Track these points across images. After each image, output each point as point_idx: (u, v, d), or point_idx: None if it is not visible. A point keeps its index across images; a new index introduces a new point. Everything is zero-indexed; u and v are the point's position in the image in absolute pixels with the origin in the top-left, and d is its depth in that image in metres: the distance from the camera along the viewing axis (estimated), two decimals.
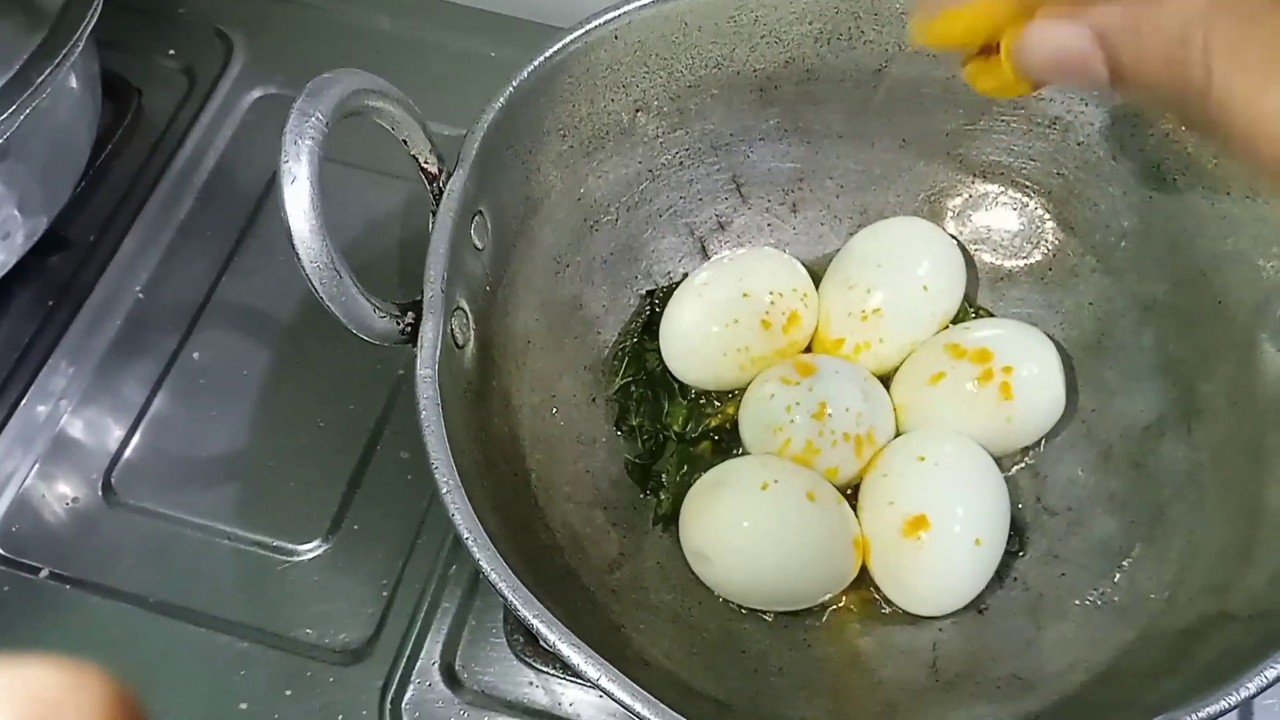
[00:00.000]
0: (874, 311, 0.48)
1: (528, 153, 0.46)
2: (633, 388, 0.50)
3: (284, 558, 0.49)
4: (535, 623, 0.33)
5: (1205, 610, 0.40)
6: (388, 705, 0.46)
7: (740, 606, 0.45)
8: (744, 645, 0.44)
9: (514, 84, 0.43)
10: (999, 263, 0.52)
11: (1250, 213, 0.44)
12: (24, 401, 0.53)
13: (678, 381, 0.50)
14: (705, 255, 0.53)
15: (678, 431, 0.49)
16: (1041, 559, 0.46)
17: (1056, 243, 0.51)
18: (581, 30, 0.45)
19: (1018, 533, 0.46)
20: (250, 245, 0.57)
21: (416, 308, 0.39)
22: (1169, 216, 0.47)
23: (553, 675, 0.47)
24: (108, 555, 0.49)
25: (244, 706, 0.46)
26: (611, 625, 0.42)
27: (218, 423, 0.53)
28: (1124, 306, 0.48)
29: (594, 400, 0.50)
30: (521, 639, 0.47)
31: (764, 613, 0.45)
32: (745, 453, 0.48)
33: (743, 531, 0.43)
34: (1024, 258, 0.51)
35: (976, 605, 0.45)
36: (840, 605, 0.45)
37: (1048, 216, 0.51)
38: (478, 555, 0.34)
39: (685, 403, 0.50)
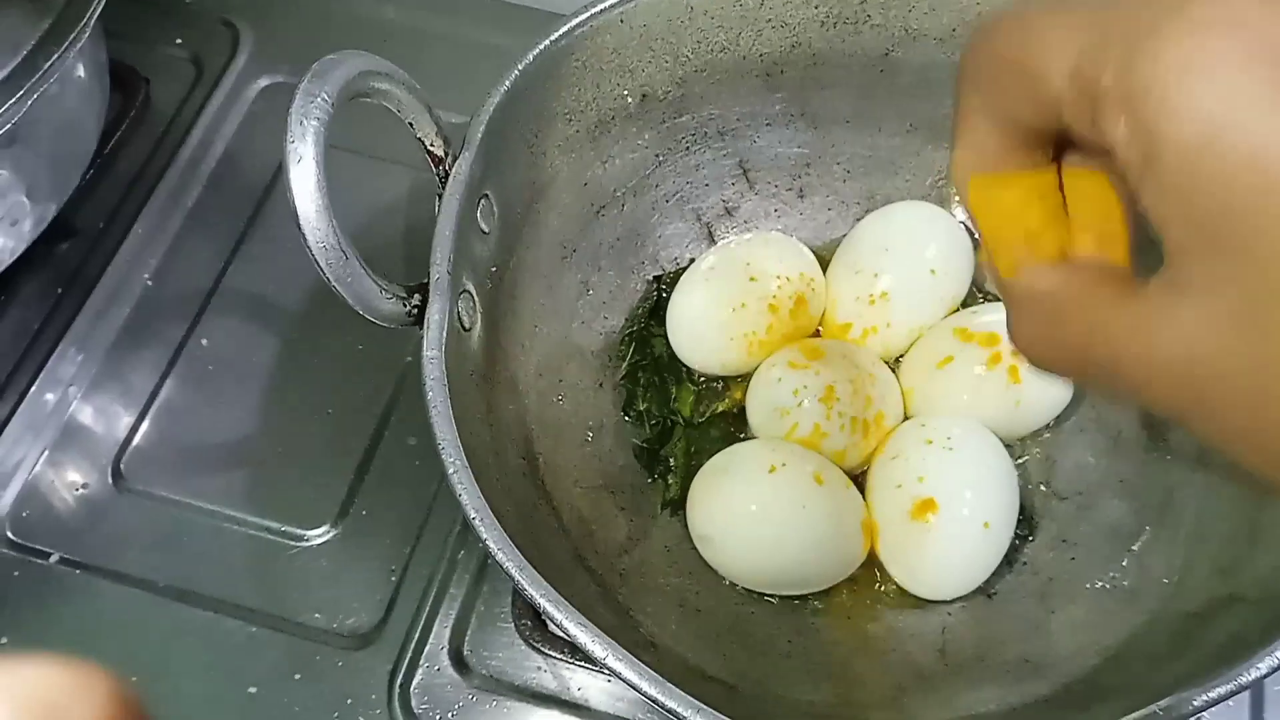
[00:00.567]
0: (881, 296, 0.48)
1: (533, 137, 0.46)
2: (639, 373, 0.50)
3: (293, 543, 0.50)
4: (542, 602, 0.33)
5: (1214, 593, 0.40)
6: (396, 689, 0.46)
7: (748, 590, 0.45)
8: (751, 628, 0.44)
9: (519, 68, 0.43)
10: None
11: None
12: (33, 388, 0.53)
13: (685, 366, 0.50)
14: (712, 240, 0.53)
15: (685, 416, 0.49)
16: (1051, 543, 0.46)
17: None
18: (587, 14, 0.45)
19: (1027, 517, 0.46)
20: (258, 232, 0.58)
21: (423, 290, 0.39)
22: None
23: (561, 660, 0.47)
24: (117, 541, 0.50)
25: (253, 690, 0.46)
26: (619, 608, 0.42)
27: (226, 409, 0.53)
28: None
29: (601, 385, 0.49)
30: (530, 623, 0.47)
31: (772, 596, 0.45)
32: (752, 437, 0.48)
33: (750, 515, 0.43)
34: None
35: (985, 589, 0.45)
36: (848, 589, 0.45)
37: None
38: (485, 535, 0.34)
39: (693, 387, 0.50)
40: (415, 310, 0.38)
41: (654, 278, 0.52)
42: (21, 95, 0.45)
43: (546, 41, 0.44)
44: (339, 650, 0.47)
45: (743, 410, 0.49)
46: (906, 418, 0.48)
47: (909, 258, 0.49)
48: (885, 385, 0.47)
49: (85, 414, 0.53)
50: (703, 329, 0.49)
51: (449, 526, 0.49)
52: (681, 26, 0.48)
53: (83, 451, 0.52)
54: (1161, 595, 0.42)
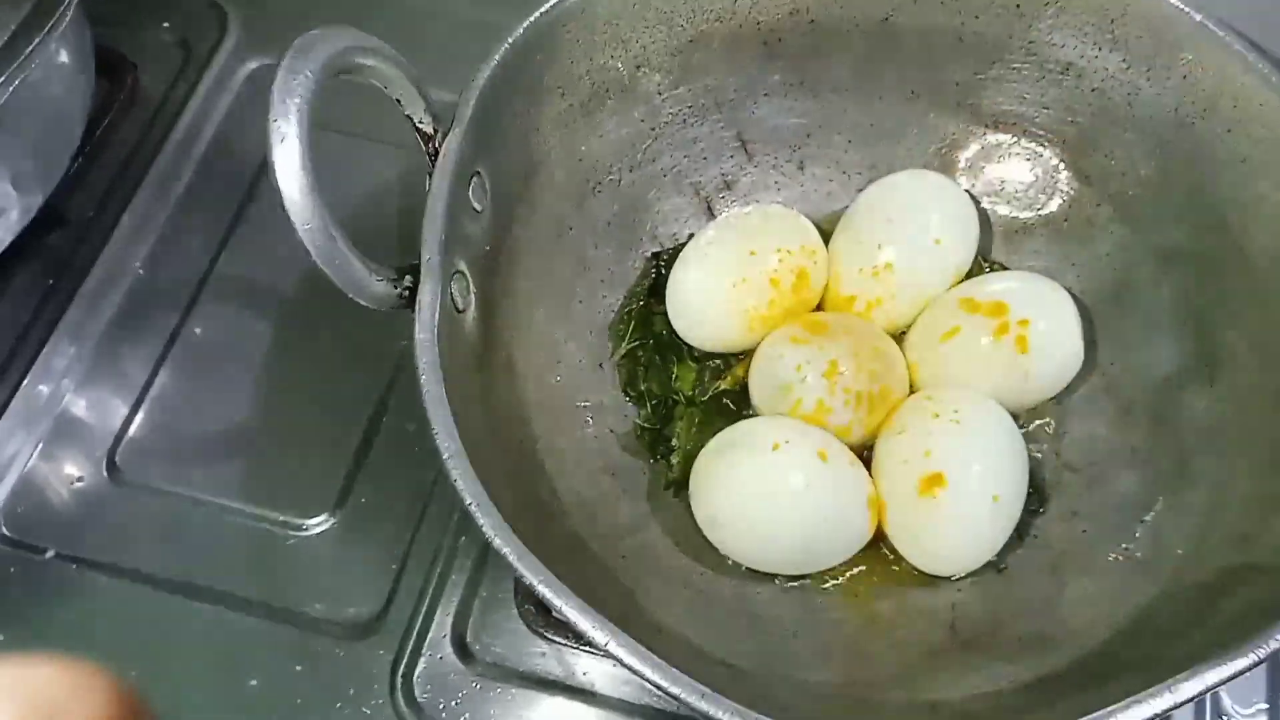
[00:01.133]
0: (885, 267, 0.47)
1: (526, 112, 0.45)
2: (640, 352, 0.49)
3: (292, 533, 0.49)
4: (541, 588, 0.33)
5: (1230, 562, 0.39)
6: (399, 678, 0.46)
7: (753, 570, 0.44)
8: (758, 609, 0.43)
9: (510, 41, 0.42)
10: (1014, 215, 0.51)
11: (1271, 155, 0.42)
12: (26, 381, 0.52)
13: (686, 344, 0.49)
14: (711, 215, 0.52)
15: (687, 395, 0.48)
16: (1062, 516, 0.45)
17: (1072, 193, 0.49)
18: None
19: (1038, 490, 0.45)
20: (250, 218, 0.57)
21: (415, 271, 0.38)
22: (1187, 162, 0.45)
23: (565, 645, 0.46)
24: (114, 534, 0.49)
25: (254, 683, 0.46)
26: (623, 591, 0.41)
27: (221, 398, 0.52)
28: (1142, 256, 0.47)
29: (600, 365, 0.49)
30: (533, 609, 0.47)
31: (778, 576, 0.44)
32: (756, 415, 0.47)
33: (753, 494, 0.42)
34: (1039, 209, 0.50)
35: (996, 564, 0.44)
36: (857, 567, 0.44)
37: (1063, 166, 0.49)
38: (482, 521, 0.34)
39: (694, 365, 0.49)
40: (407, 292, 0.38)
41: (653, 254, 0.51)
42: (2, 82, 0.44)
43: (537, 14, 0.43)
44: (340, 640, 0.46)
45: (745, 388, 0.48)
46: (912, 391, 0.47)
47: (912, 228, 0.48)
48: (890, 359, 0.46)
49: (79, 406, 0.52)
50: (703, 306, 0.48)
51: (449, 512, 0.49)
52: None
53: (77, 444, 0.51)
54: (1175, 567, 0.41)
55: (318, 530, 0.49)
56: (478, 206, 0.42)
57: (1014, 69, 0.48)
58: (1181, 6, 0.44)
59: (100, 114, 0.58)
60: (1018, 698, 0.38)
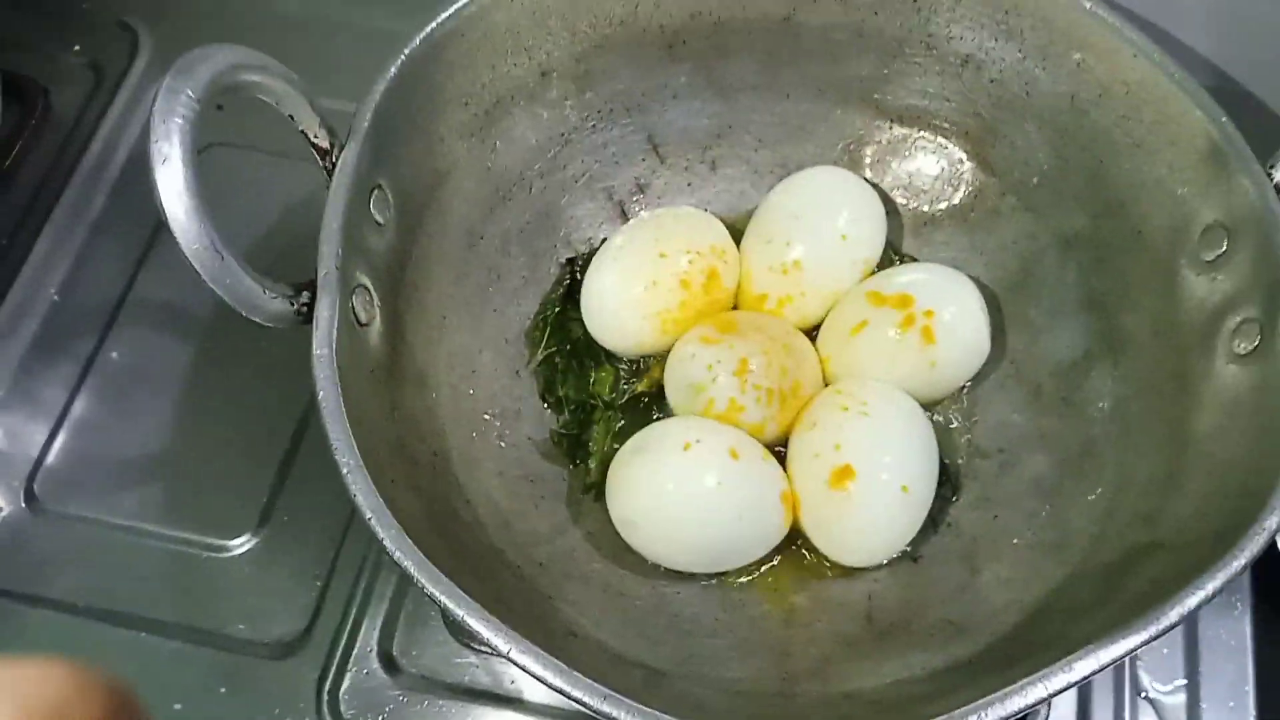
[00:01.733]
0: (794, 264, 0.48)
1: (428, 122, 0.45)
2: (556, 358, 0.49)
3: (213, 554, 0.49)
4: (441, 597, 0.33)
5: (1135, 541, 0.40)
6: (325, 696, 0.46)
7: (673, 570, 0.44)
8: (677, 609, 0.43)
9: (406, 52, 0.42)
10: (922, 207, 0.51)
11: (1164, 138, 0.43)
12: None
13: (603, 349, 0.49)
14: (625, 218, 0.52)
15: (605, 399, 0.48)
16: (975, 503, 0.45)
17: (977, 184, 0.50)
18: None
19: (951, 478, 0.46)
20: (165, 240, 0.55)
21: (312, 287, 0.38)
22: (1084, 148, 0.46)
23: (493, 655, 0.46)
24: (34, 564, 0.49)
25: (178, 707, 0.45)
26: (539, 597, 0.41)
27: (141, 422, 0.52)
28: (1046, 243, 0.48)
29: (518, 373, 0.49)
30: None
31: (697, 576, 0.44)
32: (672, 416, 0.47)
33: (667, 494, 0.42)
34: (945, 201, 0.51)
35: (911, 554, 0.44)
36: (773, 563, 0.44)
37: (966, 158, 0.50)
38: (381, 534, 0.34)
39: (611, 369, 0.49)
40: (304, 309, 0.37)
41: (567, 260, 0.51)
42: None
43: (433, 24, 0.43)
44: (265, 660, 0.46)
45: (663, 390, 0.48)
46: (826, 386, 0.47)
47: (819, 224, 0.48)
48: (801, 355, 0.46)
49: None
50: (616, 309, 0.48)
51: None
52: (576, 1, 0.47)
53: None
54: (1083, 547, 0.41)
55: (240, 550, 0.49)
56: (380, 219, 0.42)
57: (914, 63, 0.49)
58: None
59: (11, 140, 0.57)
60: (929, 684, 0.38)
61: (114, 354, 0.53)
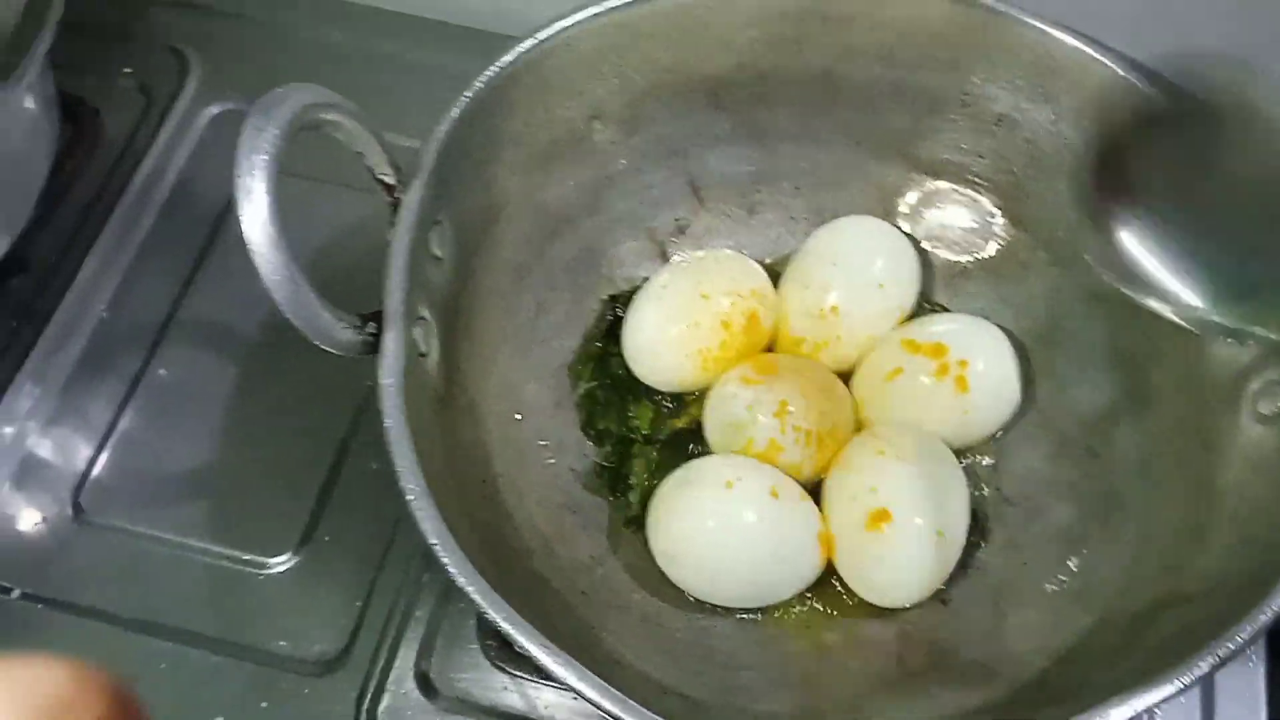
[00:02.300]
0: (831, 310, 0.49)
1: (485, 162, 0.46)
2: (598, 392, 0.50)
3: (256, 571, 0.50)
4: (505, 625, 0.34)
5: (1161, 592, 0.41)
6: (363, 715, 0.46)
7: (710, 605, 0.45)
8: (714, 643, 0.44)
9: (468, 94, 0.44)
10: (953, 258, 0.53)
11: None
12: None
13: (643, 384, 0.51)
14: (665, 259, 0.54)
15: (645, 433, 0.50)
16: (1002, 548, 0.47)
17: (1008, 237, 0.52)
18: (534, 39, 0.46)
19: (978, 523, 0.47)
20: (213, 261, 0.58)
21: (378, 318, 0.39)
22: None
23: (527, 679, 0.47)
24: (79, 574, 0.49)
25: None
26: (583, 626, 0.42)
27: (185, 439, 0.53)
28: (1074, 298, 0.49)
29: (559, 404, 0.50)
30: (495, 644, 0.48)
31: (733, 610, 0.45)
32: (710, 452, 0.49)
33: (708, 530, 0.44)
34: (977, 253, 0.52)
35: (940, 596, 0.45)
36: (808, 600, 0.46)
37: (998, 212, 0.52)
38: (446, 561, 0.35)
39: (651, 405, 0.50)
40: (371, 338, 0.39)
41: (609, 297, 0.52)
42: None
43: (495, 68, 0.45)
44: (305, 677, 0.47)
45: (700, 426, 0.49)
46: (860, 428, 0.48)
47: (856, 272, 0.50)
48: (838, 398, 0.48)
49: (44, 448, 0.52)
50: (657, 347, 0.49)
51: (413, 549, 0.50)
52: (627, 49, 0.48)
53: (42, 485, 0.51)
54: (1109, 596, 0.43)
55: (281, 568, 0.50)
56: (439, 253, 0.43)
57: (950, 120, 0.51)
58: (1106, 62, 0.46)
59: (63, 159, 0.58)
60: None
61: (161, 371, 0.54)
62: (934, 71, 0.49)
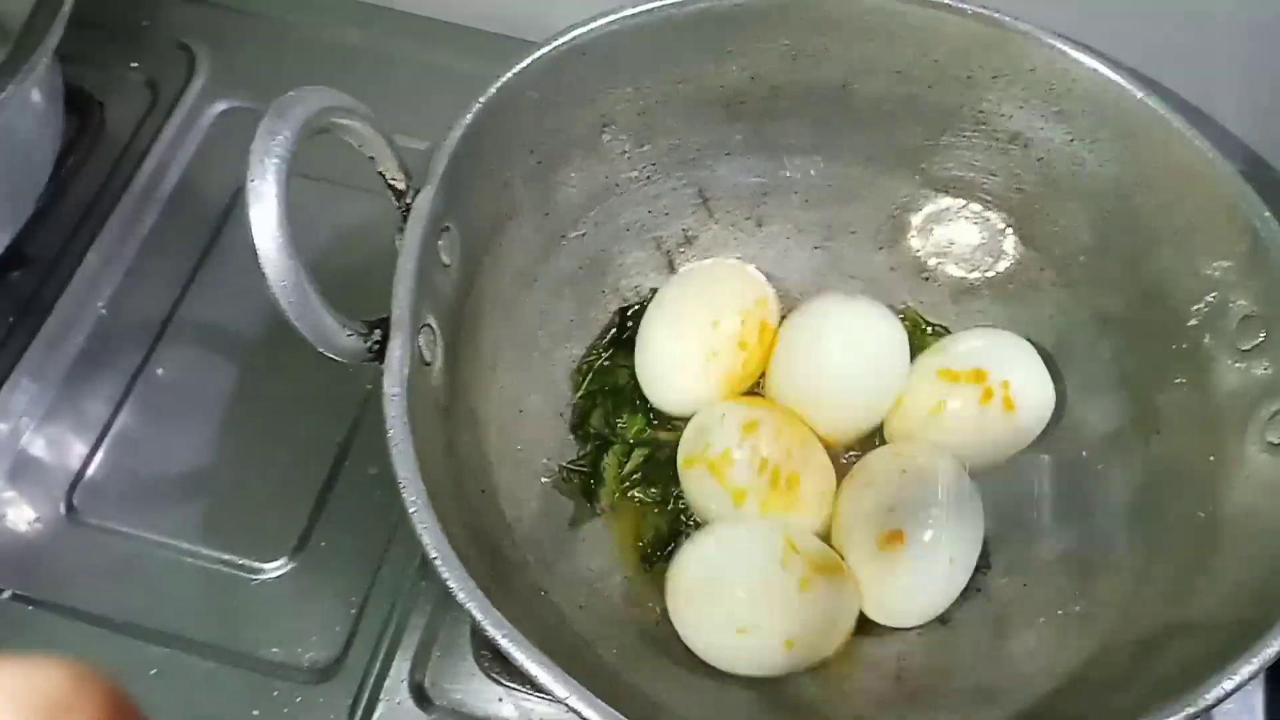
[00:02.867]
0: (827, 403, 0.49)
1: (496, 168, 0.46)
2: (596, 396, 0.50)
3: (250, 576, 0.49)
4: (504, 642, 0.33)
5: (1164, 618, 0.41)
6: None
7: None
8: None
9: (481, 100, 0.43)
10: (961, 275, 0.53)
11: (1205, 228, 0.44)
12: None
13: (641, 396, 0.50)
14: (672, 269, 0.53)
15: (629, 440, 0.50)
16: (1005, 570, 0.47)
17: (1017, 256, 0.51)
18: (549, 46, 0.45)
19: (984, 546, 0.47)
20: (215, 260, 0.57)
21: (384, 325, 0.39)
22: (1126, 231, 0.47)
23: (521, 691, 0.47)
24: (71, 575, 0.49)
25: None
26: (581, 641, 0.42)
27: (182, 440, 0.52)
28: (1082, 320, 0.49)
29: (561, 415, 0.50)
30: (489, 654, 0.47)
31: None
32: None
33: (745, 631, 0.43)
34: (985, 271, 0.52)
35: (942, 617, 0.45)
36: None
37: (1009, 230, 0.52)
38: (445, 574, 0.34)
39: (643, 416, 0.50)
40: (376, 346, 0.38)
41: (618, 310, 0.52)
42: None
43: (509, 74, 0.44)
44: (298, 684, 0.47)
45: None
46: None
47: (846, 370, 0.49)
48: (812, 453, 0.48)
49: (38, 446, 0.52)
50: (680, 382, 0.50)
51: (410, 557, 0.49)
52: (642, 58, 0.48)
53: (36, 484, 0.51)
54: (1112, 621, 0.42)
55: (277, 573, 0.49)
56: (447, 260, 0.43)
57: (964, 137, 0.50)
58: (1123, 83, 0.46)
59: (67, 153, 0.58)
60: None
61: (159, 371, 0.54)
62: (949, 88, 0.49)
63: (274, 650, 0.47)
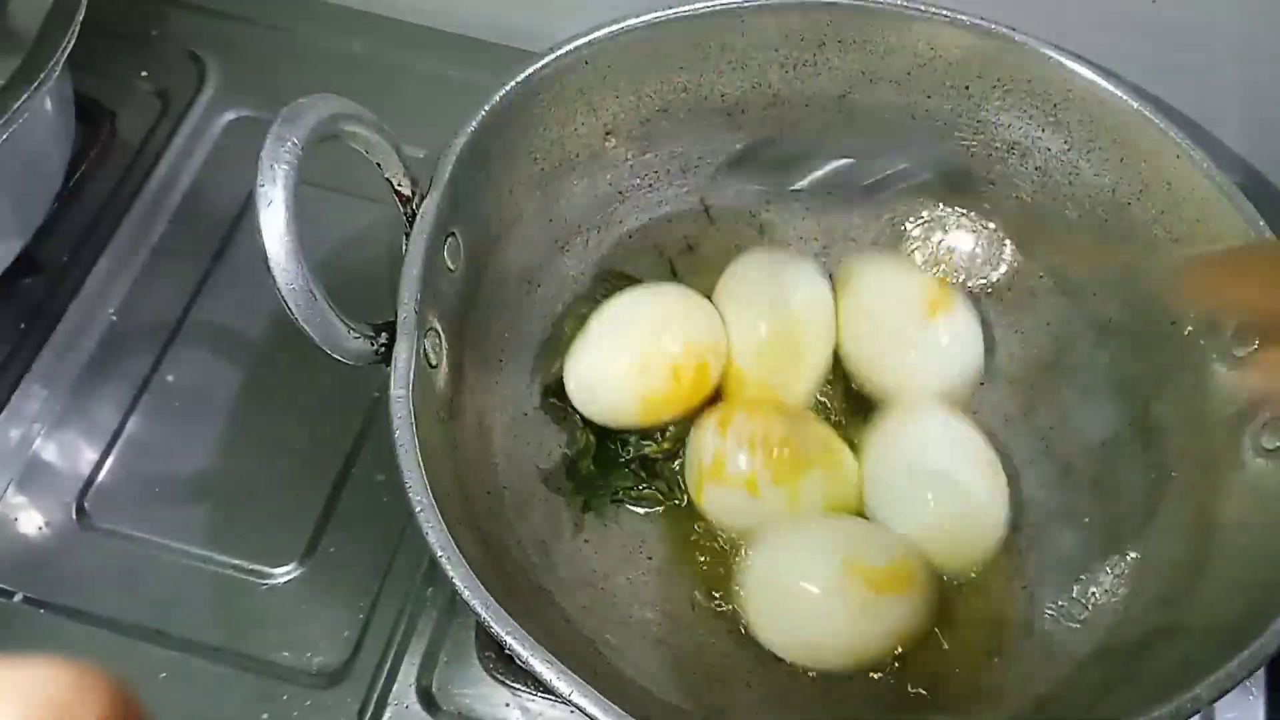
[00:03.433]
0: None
1: (499, 175, 0.47)
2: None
3: (259, 580, 0.50)
4: (510, 640, 0.34)
5: (1160, 623, 0.41)
6: None
7: (708, 622, 0.45)
8: (715, 660, 0.44)
9: (486, 108, 0.44)
10: (959, 283, 0.53)
11: (1202, 237, 0.45)
12: None
13: None
14: (675, 275, 0.54)
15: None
16: (1003, 574, 0.47)
17: (1015, 264, 0.52)
18: (553, 55, 0.46)
19: None
20: (224, 267, 0.58)
21: (390, 329, 0.39)
22: (1123, 239, 0.48)
23: (527, 694, 0.47)
24: (82, 579, 0.49)
25: None
26: (585, 641, 0.42)
27: (192, 445, 0.53)
28: (1081, 327, 0.50)
29: (564, 417, 0.50)
30: (494, 657, 0.48)
31: (731, 629, 0.45)
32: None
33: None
34: (983, 277, 0.53)
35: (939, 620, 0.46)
36: None
37: (1006, 238, 0.52)
38: (452, 574, 0.35)
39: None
40: (383, 349, 0.39)
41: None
42: None
43: (514, 82, 0.45)
44: (307, 689, 0.47)
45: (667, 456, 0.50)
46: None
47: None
48: (805, 426, 0.48)
49: (49, 451, 0.52)
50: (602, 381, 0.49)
51: (418, 562, 0.50)
52: (645, 67, 0.49)
53: (47, 489, 0.51)
54: (1108, 625, 0.43)
55: (285, 579, 0.50)
56: (451, 265, 0.44)
57: (962, 146, 0.51)
58: (1120, 94, 0.46)
59: (78, 161, 0.59)
60: None
61: (169, 377, 0.55)
62: (947, 98, 0.50)
63: (283, 655, 0.48)
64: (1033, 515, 0.48)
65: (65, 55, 0.48)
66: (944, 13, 0.47)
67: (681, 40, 0.48)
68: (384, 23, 0.66)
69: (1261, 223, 0.43)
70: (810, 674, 0.44)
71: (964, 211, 0.53)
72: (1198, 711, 0.35)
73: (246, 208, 0.59)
